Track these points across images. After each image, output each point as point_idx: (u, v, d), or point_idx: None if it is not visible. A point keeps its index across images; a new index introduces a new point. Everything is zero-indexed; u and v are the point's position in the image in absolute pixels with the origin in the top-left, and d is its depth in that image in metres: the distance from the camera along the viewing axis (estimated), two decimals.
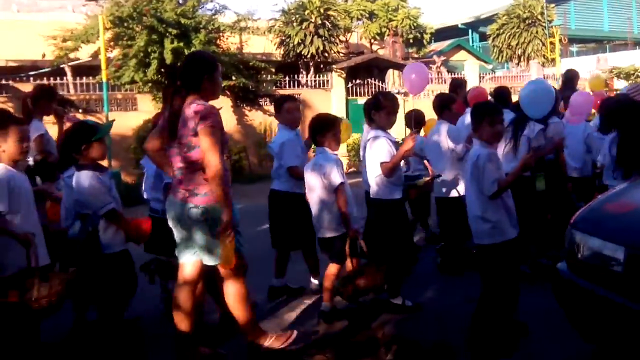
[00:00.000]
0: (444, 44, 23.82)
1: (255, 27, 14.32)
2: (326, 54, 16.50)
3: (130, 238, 3.61)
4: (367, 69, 17.23)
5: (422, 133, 6.18)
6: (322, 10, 16.28)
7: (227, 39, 14.09)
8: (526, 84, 5.12)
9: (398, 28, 19.73)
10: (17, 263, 3.01)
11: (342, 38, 18.30)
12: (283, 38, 16.53)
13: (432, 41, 22.45)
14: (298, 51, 16.24)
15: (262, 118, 14.79)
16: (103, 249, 3.49)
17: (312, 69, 16.56)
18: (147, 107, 13.03)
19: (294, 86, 15.40)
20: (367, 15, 20.03)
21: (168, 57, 12.46)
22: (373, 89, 16.70)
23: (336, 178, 3.89)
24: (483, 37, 25.12)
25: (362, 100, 16.49)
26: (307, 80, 16.19)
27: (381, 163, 4.09)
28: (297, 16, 16.29)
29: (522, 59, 21.31)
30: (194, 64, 3.28)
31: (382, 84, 17.23)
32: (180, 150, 3.16)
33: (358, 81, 16.65)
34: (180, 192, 3.20)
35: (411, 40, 20.45)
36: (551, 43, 20.81)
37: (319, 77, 16.43)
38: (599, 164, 4.94)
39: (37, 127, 4.39)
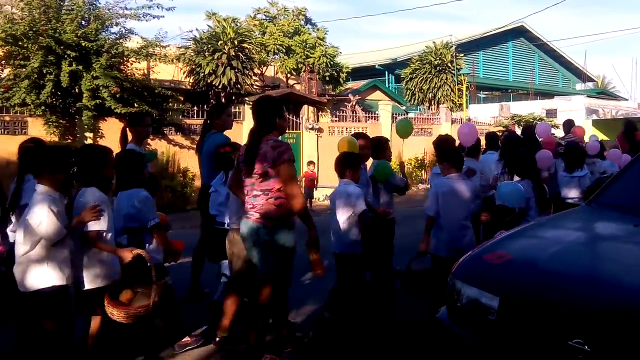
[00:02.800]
0: (361, 83, 24.30)
1: (163, 54, 13.79)
2: (239, 86, 16.21)
3: (167, 254, 4.20)
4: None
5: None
6: (236, 42, 16.08)
7: (131, 64, 13.48)
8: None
9: (315, 65, 19.86)
10: (108, 274, 3.56)
11: (256, 71, 18.13)
12: (193, 67, 16.10)
13: (349, 79, 22.81)
14: (209, 81, 15.88)
15: (166, 147, 14.16)
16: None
17: (223, 100, 16.17)
18: (39, 132, 12.03)
19: (203, 116, 14.90)
20: (284, 50, 20.03)
21: (64, 80, 11.74)
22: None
23: (361, 205, 4.60)
24: (398, 79, 25.93)
25: None
26: None
27: None
28: (210, 46, 15.99)
29: (432, 102, 22.11)
30: (266, 109, 3.86)
31: (296, 119, 17.15)
32: (257, 180, 3.73)
33: None
34: (254, 216, 3.77)
35: (327, 78, 20.63)
36: (459, 89, 21.74)
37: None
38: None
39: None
